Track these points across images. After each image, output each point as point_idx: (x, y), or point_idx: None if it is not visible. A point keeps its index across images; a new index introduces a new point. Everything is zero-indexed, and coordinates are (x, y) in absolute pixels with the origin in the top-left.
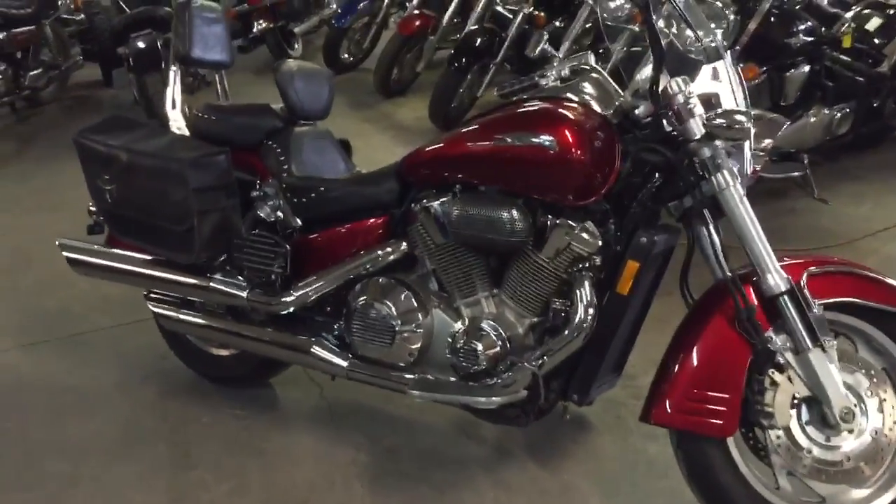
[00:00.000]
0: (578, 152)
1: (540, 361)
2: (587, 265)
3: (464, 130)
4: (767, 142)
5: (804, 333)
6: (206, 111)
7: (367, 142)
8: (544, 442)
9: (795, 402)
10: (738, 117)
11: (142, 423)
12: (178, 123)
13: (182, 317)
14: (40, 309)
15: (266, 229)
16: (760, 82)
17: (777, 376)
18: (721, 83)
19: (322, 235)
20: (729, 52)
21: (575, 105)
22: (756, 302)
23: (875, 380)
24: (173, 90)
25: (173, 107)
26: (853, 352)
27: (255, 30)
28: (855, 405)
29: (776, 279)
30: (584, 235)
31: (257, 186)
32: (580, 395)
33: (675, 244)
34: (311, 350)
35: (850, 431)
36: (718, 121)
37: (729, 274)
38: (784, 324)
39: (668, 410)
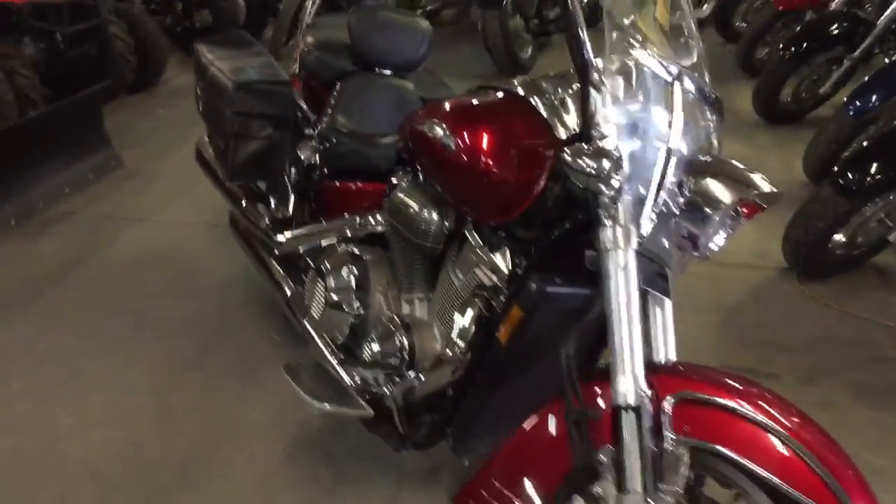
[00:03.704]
0: (480, 161)
1: (401, 387)
2: (492, 294)
3: (440, 102)
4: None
5: (634, 469)
6: (310, 43)
7: None
8: None
9: None
10: (603, 163)
11: (206, 321)
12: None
13: (240, 228)
14: None
15: (303, 170)
16: None
17: None
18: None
19: (338, 188)
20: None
21: (523, 106)
22: (603, 407)
23: None
24: (305, 16)
25: (303, 34)
26: None
27: None
28: None
29: (626, 387)
30: (492, 261)
31: (310, 125)
32: (456, 442)
33: None
34: (285, 296)
35: None
36: (582, 161)
37: (564, 360)
38: (619, 447)
39: (467, 497)
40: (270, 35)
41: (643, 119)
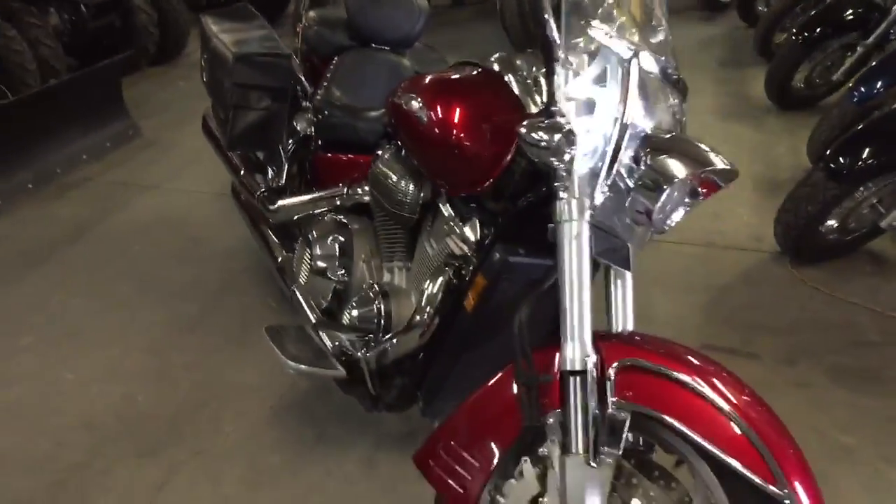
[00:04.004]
0: (450, 134)
1: (375, 351)
2: (462, 263)
3: (419, 77)
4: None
5: (579, 431)
6: (311, 18)
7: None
8: None
9: None
10: (555, 136)
11: (208, 286)
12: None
13: (241, 197)
14: None
15: (299, 141)
16: None
17: (527, 468)
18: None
19: (330, 159)
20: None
21: (495, 82)
22: (555, 372)
23: None
24: None
25: (307, 9)
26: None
27: None
28: None
29: (574, 352)
30: (462, 232)
31: (307, 98)
32: (425, 405)
33: None
34: (276, 261)
35: None
36: (536, 135)
37: (516, 326)
38: (565, 411)
39: (426, 456)
40: (292, 10)
41: (602, 95)
